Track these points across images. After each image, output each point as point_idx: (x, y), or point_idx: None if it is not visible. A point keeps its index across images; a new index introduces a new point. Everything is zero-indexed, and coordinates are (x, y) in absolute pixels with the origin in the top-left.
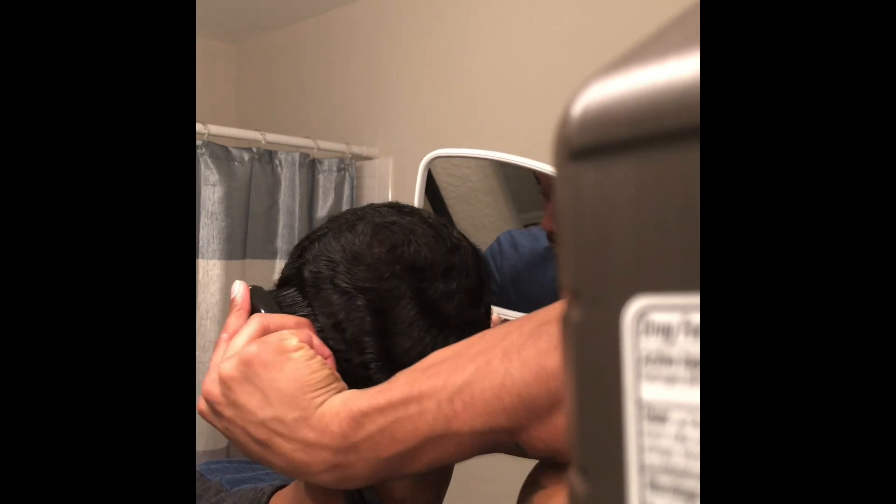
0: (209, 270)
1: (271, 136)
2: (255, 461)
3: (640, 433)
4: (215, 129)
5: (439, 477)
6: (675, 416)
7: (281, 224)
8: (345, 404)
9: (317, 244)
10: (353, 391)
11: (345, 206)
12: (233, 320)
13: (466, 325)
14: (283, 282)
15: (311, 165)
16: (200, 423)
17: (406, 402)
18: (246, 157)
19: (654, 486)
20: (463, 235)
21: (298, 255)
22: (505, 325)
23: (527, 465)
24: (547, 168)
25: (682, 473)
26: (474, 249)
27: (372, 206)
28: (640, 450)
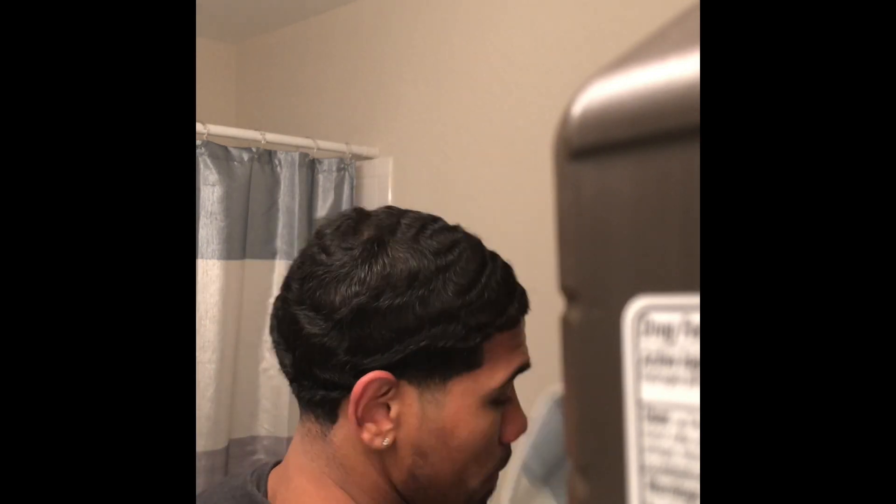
0: (208, 270)
1: (271, 136)
2: None
3: (640, 433)
4: (214, 129)
5: None
6: (676, 416)
7: (280, 224)
8: None
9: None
10: None
11: (344, 206)
12: None
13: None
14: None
15: (310, 165)
16: (200, 424)
17: None
18: (245, 156)
19: (655, 487)
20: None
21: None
22: None
23: None
24: None
25: (683, 474)
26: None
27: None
28: (641, 450)
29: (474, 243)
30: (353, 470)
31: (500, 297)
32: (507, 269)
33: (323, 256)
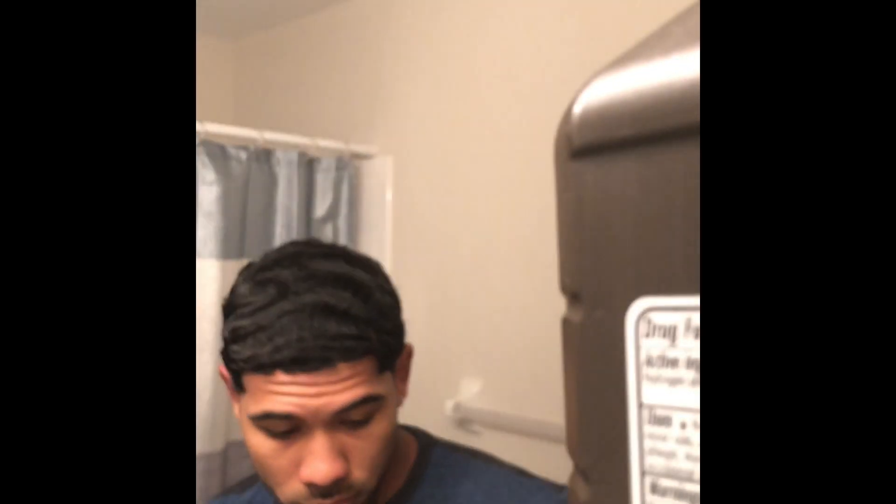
0: (206, 270)
1: (269, 135)
2: None
3: (642, 436)
4: (212, 128)
5: None
6: (678, 418)
7: (278, 223)
8: None
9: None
10: None
11: (343, 205)
12: None
13: None
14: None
15: (309, 164)
16: (198, 426)
17: None
18: (243, 155)
19: (656, 490)
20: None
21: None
22: None
23: None
24: None
25: (685, 477)
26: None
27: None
28: (643, 453)
29: (282, 279)
30: None
31: (258, 339)
32: (294, 316)
33: None
